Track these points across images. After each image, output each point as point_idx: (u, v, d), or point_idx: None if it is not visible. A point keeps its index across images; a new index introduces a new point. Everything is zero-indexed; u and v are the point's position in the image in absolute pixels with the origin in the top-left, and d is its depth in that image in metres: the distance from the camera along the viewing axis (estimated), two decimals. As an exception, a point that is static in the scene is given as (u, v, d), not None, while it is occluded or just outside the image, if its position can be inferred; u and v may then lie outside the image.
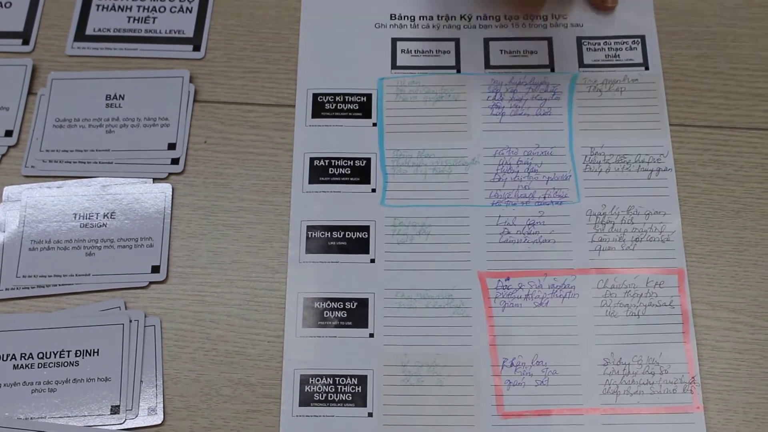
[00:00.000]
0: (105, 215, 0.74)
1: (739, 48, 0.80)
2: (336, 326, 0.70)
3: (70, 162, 0.76)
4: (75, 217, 0.74)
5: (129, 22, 0.82)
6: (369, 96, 0.78)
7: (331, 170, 0.75)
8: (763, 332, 0.70)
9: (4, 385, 0.68)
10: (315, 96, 0.78)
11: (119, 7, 0.82)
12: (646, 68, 0.79)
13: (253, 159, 0.76)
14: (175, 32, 0.81)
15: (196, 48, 0.81)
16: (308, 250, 0.73)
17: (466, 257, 0.72)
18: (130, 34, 0.81)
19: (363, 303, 0.71)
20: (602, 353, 0.69)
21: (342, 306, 0.71)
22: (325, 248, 0.73)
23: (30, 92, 0.79)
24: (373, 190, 0.75)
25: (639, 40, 0.80)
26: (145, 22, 0.82)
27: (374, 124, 0.77)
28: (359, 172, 0.75)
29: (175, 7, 0.82)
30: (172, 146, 0.76)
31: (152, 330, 0.70)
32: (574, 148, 0.76)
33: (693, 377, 0.68)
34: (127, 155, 0.76)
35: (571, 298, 0.71)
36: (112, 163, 0.76)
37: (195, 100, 0.78)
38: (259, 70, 0.80)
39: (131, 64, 0.80)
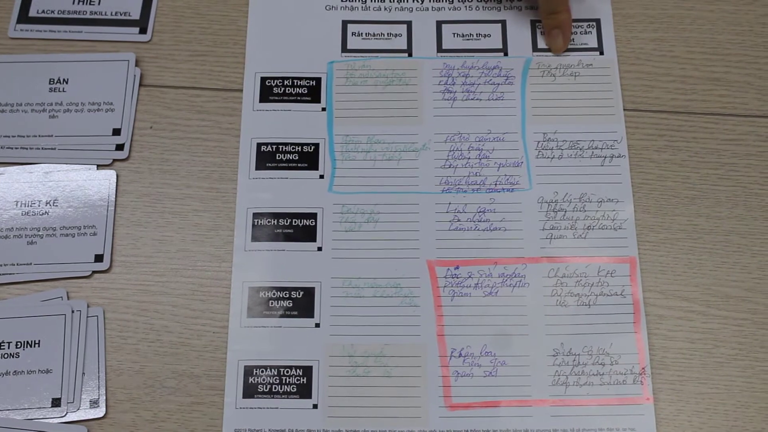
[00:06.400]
0: (47, 203, 0.73)
1: (696, 31, 0.79)
2: (281, 316, 0.69)
3: (12, 148, 0.74)
4: (16, 205, 0.73)
5: (74, 3, 0.80)
6: (318, 80, 0.76)
7: (279, 156, 0.74)
8: (715, 321, 0.70)
9: (-57, 377, 0.67)
10: (263, 80, 0.76)
11: (64, -13, 0.81)
12: (601, 53, 0.77)
13: (200, 145, 0.75)
14: (121, 14, 0.79)
15: (143, 30, 0.79)
16: (254, 238, 0.71)
17: (415, 245, 0.71)
18: (75, 16, 0.79)
19: (309, 292, 0.70)
20: (552, 344, 0.68)
21: (288, 295, 0.70)
22: (272, 236, 0.71)
23: (-29, 76, 0.77)
24: (321, 177, 0.73)
25: (594, 23, 0.78)
26: (90, 4, 0.80)
27: (323, 109, 0.75)
28: (307, 158, 0.74)
29: (122, -12, 0.80)
30: (116, 132, 0.75)
31: (95, 321, 0.69)
32: (526, 134, 0.74)
33: (643, 368, 0.68)
34: (71, 141, 0.74)
35: (521, 287, 0.70)
36: (55, 149, 0.74)
37: (141, 85, 0.77)
38: (207, 54, 0.78)
39: (76, 47, 0.78)
